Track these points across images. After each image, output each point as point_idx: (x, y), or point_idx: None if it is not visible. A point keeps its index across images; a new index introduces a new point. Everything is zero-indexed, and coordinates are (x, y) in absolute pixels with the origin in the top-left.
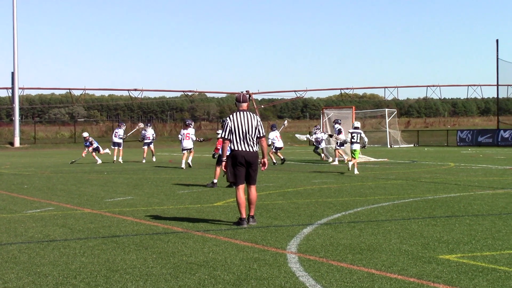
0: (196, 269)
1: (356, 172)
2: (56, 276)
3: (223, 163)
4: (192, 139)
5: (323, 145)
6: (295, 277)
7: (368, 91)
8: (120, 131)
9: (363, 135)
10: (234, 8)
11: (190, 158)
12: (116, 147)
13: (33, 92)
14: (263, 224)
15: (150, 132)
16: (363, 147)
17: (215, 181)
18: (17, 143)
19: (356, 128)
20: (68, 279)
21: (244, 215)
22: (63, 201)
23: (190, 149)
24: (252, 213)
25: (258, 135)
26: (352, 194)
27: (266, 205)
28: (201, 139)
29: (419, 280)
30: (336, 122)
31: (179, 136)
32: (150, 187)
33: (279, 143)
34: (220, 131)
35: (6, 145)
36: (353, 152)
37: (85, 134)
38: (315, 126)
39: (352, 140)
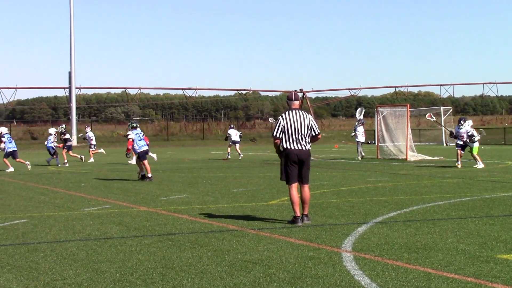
0: (251, 267)
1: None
2: (113, 273)
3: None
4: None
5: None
6: (350, 275)
7: (423, 89)
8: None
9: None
10: (288, 6)
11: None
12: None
13: (90, 92)
14: (317, 223)
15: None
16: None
17: (150, 175)
18: (74, 142)
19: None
20: (125, 276)
21: (298, 213)
22: (120, 199)
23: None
24: (306, 212)
25: (314, 134)
26: (408, 193)
27: (320, 204)
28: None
29: (476, 280)
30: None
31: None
32: (205, 185)
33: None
34: (130, 132)
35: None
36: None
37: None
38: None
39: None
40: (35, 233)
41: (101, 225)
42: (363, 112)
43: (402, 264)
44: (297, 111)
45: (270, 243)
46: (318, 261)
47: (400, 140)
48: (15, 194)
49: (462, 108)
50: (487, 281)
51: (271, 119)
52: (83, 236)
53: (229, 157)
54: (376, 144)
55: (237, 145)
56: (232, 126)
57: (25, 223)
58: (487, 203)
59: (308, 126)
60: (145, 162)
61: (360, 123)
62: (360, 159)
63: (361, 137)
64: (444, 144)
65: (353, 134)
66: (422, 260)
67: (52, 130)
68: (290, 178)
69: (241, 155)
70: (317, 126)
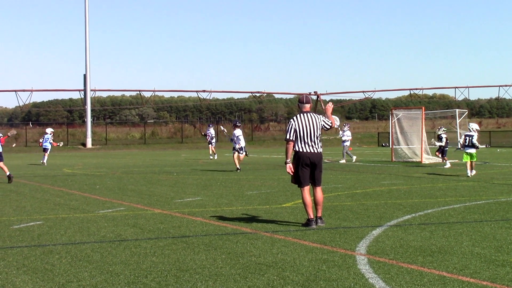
0: (265, 270)
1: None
2: (127, 275)
3: (287, 166)
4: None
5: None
6: (364, 278)
7: (438, 92)
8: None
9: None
10: (301, 8)
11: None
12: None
13: (104, 94)
14: (331, 226)
15: None
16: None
17: None
18: (89, 144)
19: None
20: (139, 278)
21: (311, 216)
22: (134, 201)
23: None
24: (319, 214)
25: (328, 127)
26: (422, 196)
27: (334, 206)
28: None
29: (492, 284)
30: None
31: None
32: (219, 187)
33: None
34: None
35: (78, 146)
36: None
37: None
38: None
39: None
40: (50, 235)
41: (116, 227)
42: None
43: (417, 268)
44: (308, 114)
45: (284, 246)
46: (332, 264)
47: (414, 142)
48: (31, 196)
49: (478, 110)
50: (503, 285)
51: (222, 128)
52: (97, 238)
53: (216, 157)
54: (390, 146)
55: (213, 145)
56: (211, 125)
57: (41, 225)
58: (503, 206)
59: (320, 128)
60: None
61: (347, 127)
62: (354, 160)
63: (348, 141)
64: (460, 147)
65: (341, 136)
66: (437, 264)
67: (49, 130)
68: (302, 181)
69: (216, 156)
70: (327, 121)
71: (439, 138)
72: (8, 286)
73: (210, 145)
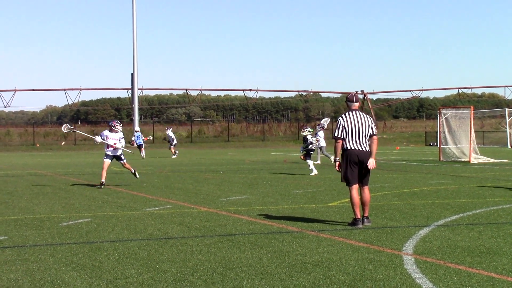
0: (311, 269)
1: None
2: (174, 272)
3: (337, 164)
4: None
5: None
6: (411, 279)
7: (487, 91)
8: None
9: None
10: (348, 6)
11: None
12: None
13: (152, 93)
14: (378, 225)
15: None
16: None
17: None
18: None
19: None
20: (186, 276)
21: (358, 215)
22: (181, 199)
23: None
24: (366, 214)
25: (372, 133)
26: (471, 196)
27: (381, 206)
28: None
29: None
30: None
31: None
32: (265, 186)
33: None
34: None
35: (126, 144)
36: None
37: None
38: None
39: None
40: (98, 232)
41: (162, 225)
42: (327, 122)
43: (465, 268)
44: (357, 112)
45: (330, 245)
46: (379, 264)
47: (463, 142)
48: (79, 194)
49: None
50: None
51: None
52: (144, 235)
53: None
54: (438, 146)
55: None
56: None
57: (89, 222)
58: None
59: (369, 127)
60: None
61: (320, 128)
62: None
63: (323, 141)
64: (509, 147)
65: (314, 139)
66: (486, 265)
67: (137, 128)
68: (350, 179)
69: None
70: (375, 126)
71: (304, 140)
72: (57, 282)
73: (171, 146)
